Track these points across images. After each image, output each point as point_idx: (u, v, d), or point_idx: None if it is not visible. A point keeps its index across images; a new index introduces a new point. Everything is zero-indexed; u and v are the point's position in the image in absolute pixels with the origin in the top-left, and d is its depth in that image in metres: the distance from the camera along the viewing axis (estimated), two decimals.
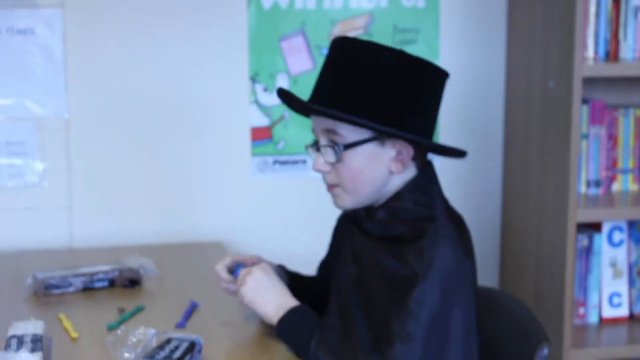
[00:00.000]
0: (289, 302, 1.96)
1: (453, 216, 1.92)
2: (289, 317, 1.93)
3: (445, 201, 1.94)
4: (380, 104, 1.84)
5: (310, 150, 1.96)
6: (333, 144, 1.87)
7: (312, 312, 1.94)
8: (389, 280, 1.84)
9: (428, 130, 1.90)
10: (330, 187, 1.93)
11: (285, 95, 1.98)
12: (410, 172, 1.93)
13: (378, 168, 1.90)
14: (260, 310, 1.97)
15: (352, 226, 1.99)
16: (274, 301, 1.96)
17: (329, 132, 1.88)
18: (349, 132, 1.86)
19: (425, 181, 1.93)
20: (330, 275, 2.05)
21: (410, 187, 1.91)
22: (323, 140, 1.90)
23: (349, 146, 1.86)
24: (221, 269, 2.10)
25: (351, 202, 1.92)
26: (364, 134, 1.86)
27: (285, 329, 1.93)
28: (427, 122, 1.90)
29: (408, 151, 1.89)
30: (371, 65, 1.84)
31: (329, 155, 1.89)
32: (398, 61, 1.85)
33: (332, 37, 2.87)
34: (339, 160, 1.87)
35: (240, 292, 1.98)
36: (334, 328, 1.88)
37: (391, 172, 1.90)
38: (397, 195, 1.91)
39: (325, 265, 2.20)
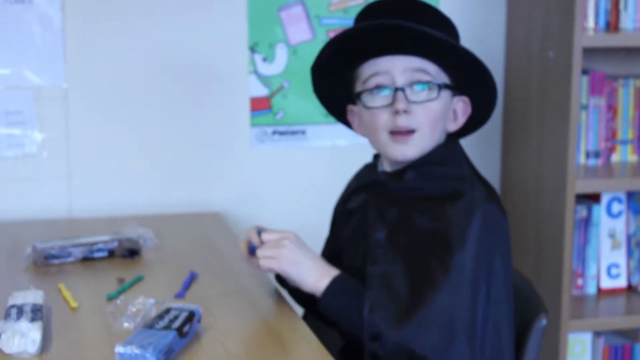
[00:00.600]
0: (329, 270, 1.89)
1: (480, 176, 1.94)
2: (334, 287, 1.86)
3: (472, 164, 1.96)
4: (466, 49, 1.88)
5: (372, 96, 1.89)
6: (430, 82, 1.86)
7: (354, 281, 1.88)
8: (429, 240, 1.82)
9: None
10: (406, 134, 1.87)
11: (341, 38, 1.90)
12: (441, 138, 1.95)
13: (445, 120, 1.92)
14: (299, 281, 1.89)
15: (366, 194, 1.97)
16: (312, 271, 1.88)
17: (419, 70, 1.86)
18: (436, 73, 1.88)
19: (453, 144, 1.96)
20: (341, 262, 2.00)
21: (442, 147, 1.93)
22: (407, 79, 1.86)
23: (444, 87, 1.88)
24: (244, 246, 1.98)
25: (422, 148, 1.90)
26: (446, 80, 1.89)
27: (331, 299, 1.86)
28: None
29: (466, 109, 1.94)
30: (437, 14, 1.91)
31: (422, 95, 1.86)
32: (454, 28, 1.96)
33: (331, 7, 2.88)
34: (437, 96, 1.86)
35: (272, 263, 1.89)
36: (383, 295, 1.82)
37: (444, 130, 1.93)
38: (430, 154, 1.91)
39: (334, 255, 2.08)
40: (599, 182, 2.72)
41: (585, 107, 2.81)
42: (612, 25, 2.81)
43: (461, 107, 1.95)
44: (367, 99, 1.91)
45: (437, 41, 1.83)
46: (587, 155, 2.85)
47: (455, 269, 1.78)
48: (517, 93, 2.97)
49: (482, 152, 3.08)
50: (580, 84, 2.67)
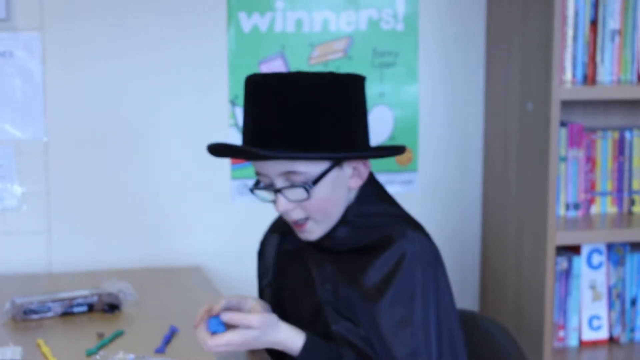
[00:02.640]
0: (295, 341, 1.89)
1: (405, 213, 1.98)
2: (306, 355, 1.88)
3: (395, 201, 2.00)
4: (331, 131, 1.86)
5: (260, 193, 1.93)
6: (299, 183, 1.86)
7: (321, 343, 1.90)
8: (374, 291, 1.86)
9: (368, 138, 1.95)
10: (299, 224, 1.92)
11: (225, 148, 1.93)
12: (354, 190, 1.98)
13: (341, 189, 1.93)
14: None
15: (297, 249, 2.01)
16: (278, 345, 1.89)
17: (288, 173, 1.87)
18: (308, 168, 1.87)
19: (376, 188, 2.00)
20: (280, 302, 2.04)
21: (364, 197, 1.96)
22: (281, 182, 1.88)
23: (316, 180, 1.87)
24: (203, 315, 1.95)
25: (323, 230, 1.94)
26: (323, 164, 1.88)
27: None
28: (367, 131, 1.95)
29: (365, 164, 1.95)
30: (303, 95, 1.85)
31: (297, 194, 1.88)
32: (325, 84, 1.88)
33: (311, 60, 2.90)
34: (309, 197, 1.87)
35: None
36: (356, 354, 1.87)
37: (350, 189, 1.95)
38: (353, 208, 1.95)
39: (272, 291, 2.12)
40: (579, 234, 2.73)
41: (564, 159, 2.82)
42: (589, 78, 2.84)
43: (360, 163, 1.94)
44: (262, 194, 1.93)
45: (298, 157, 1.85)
46: (567, 207, 2.86)
47: (408, 316, 1.84)
48: (496, 145, 2.99)
49: (462, 203, 3.09)
50: (559, 136, 2.69)
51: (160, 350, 2.02)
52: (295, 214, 1.91)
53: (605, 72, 2.84)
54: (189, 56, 2.84)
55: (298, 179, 1.87)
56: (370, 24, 2.94)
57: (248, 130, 1.90)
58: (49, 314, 2.26)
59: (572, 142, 2.83)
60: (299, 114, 1.84)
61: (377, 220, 1.94)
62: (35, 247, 2.77)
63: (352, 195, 1.96)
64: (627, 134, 2.90)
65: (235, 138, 2.88)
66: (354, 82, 1.92)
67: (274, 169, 1.88)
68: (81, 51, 2.76)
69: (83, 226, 2.81)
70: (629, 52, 2.85)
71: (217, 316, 1.88)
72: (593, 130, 2.89)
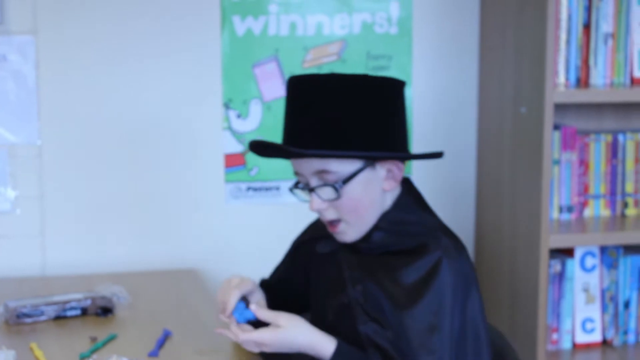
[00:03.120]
0: (324, 346, 1.89)
1: (445, 227, 1.99)
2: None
3: (433, 212, 2.01)
4: (361, 131, 1.88)
5: (299, 192, 1.97)
6: (331, 182, 1.89)
7: (352, 348, 1.90)
8: (405, 296, 1.87)
9: (406, 142, 1.97)
10: (333, 224, 1.95)
11: (262, 146, 1.97)
12: (396, 189, 1.99)
13: (374, 191, 1.94)
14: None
15: (331, 252, 2.02)
16: (307, 351, 1.90)
17: (321, 172, 1.90)
18: (340, 167, 1.89)
19: (414, 197, 2.01)
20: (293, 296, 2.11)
21: (401, 205, 1.97)
22: (315, 181, 1.91)
23: (347, 180, 1.89)
24: (231, 304, 2.00)
25: (358, 233, 1.96)
26: (355, 164, 1.90)
27: None
28: (404, 135, 1.96)
29: (398, 167, 1.95)
30: (337, 95, 1.88)
31: (328, 193, 1.91)
32: (360, 85, 1.90)
33: (305, 64, 2.90)
34: (339, 196, 1.89)
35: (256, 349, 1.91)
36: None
37: (384, 191, 1.95)
38: (390, 215, 1.96)
39: (283, 283, 2.19)
40: (573, 237, 2.73)
41: (557, 162, 2.83)
42: (582, 81, 2.84)
43: (394, 164, 1.96)
44: (300, 192, 1.98)
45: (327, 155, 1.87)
46: (560, 209, 2.86)
47: (436, 324, 1.84)
48: (490, 148, 2.99)
49: (456, 206, 3.09)
50: (552, 139, 2.69)
51: (153, 354, 2.02)
52: (328, 214, 1.94)
53: (599, 75, 2.85)
54: (182, 59, 2.84)
55: (330, 177, 1.89)
56: (364, 27, 2.95)
57: (285, 129, 1.94)
58: (42, 318, 2.26)
59: (566, 145, 2.83)
60: (330, 113, 1.87)
61: (414, 228, 1.95)
62: (28, 250, 2.77)
63: (388, 202, 1.97)
64: (620, 137, 2.90)
65: (228, 141, 2.89)
66: (389, 85, 1.93)
67: (308, 167, 1.91)
68: (75, 55, 2.76)
69: (76, 230, 2.81)
70: (622, 55, 2.85)
71: (241, 303, 1.95)
72: (586, 133, 2.90)
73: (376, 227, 1.96)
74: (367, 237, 1.96)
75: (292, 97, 1.93)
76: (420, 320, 1.85)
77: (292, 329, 1.88)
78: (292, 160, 1.95)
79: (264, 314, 1.91)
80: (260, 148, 1.98)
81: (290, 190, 1.99)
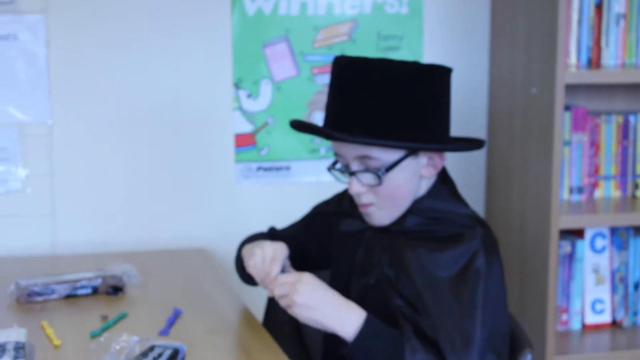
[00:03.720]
0: (350, 312, 1.87)
1: (477, 216, 1.99)
2: (365, 332, 1.86)
3: (466, 202, 2.02)
4: (409, 122, 1.88)
5: (337, 173, 1.97)
6: (373, 169, 1.89)
7: (380, 322, 1.88)
8: (438, 281, 1.88)
9: (448, 132, 1.97)
10: (364, 205, 1.95)
11: (304, 126, 1.98)
12: (432, 177, 2.00)
13: (414, 178, 1.95)
14: (320, 327, 1.89)
15: (363, 223, 2.02)
16: (332, 316, 1.86)
17: (363, 157, 1.90)
18: (383, 154, 1.90)
19: (448, 186, 2.01)
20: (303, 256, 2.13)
21: (435, 194, 1.98)
22: (356, 166, 1.92)
23: (390, 168, 1.89)
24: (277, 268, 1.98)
25: (390, 218, 1.96)
26: (398, 152, 1.90)
27: (362, 344, 1.85)
28: (448, 124, 1.97)
29: (440, 156, 1.96)
30: (386, 83, 1.87)
31: (369, 179, 1.91)
32: (409, 73, 1.89)
33: (315, 44, 2.90)
34: (381, 182, 1.90)
35: (291, 309, 1.89)
36: (414, 333, 1.86)
37: (422, 177, 1.96)
38: (425, 202, 1.96)
39: (294, 244, 2.16)
40: (583, 218, 2.73)
41: (568, 143, 2.82)
42: (594, 62, 2.83)
43: (437, 154, 1.96)
44: (338, 174, 1.98)
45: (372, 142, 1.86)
46: (571, 190, 2.86)
47: (468, 307, 1.85)
48: (501, 129, 2.98)
49: (466, 187, 3.08)
50: (563, 120, 2.68)
51: (164, 333, 2.02)
52: (365, 198, 1.94)
53: (610, 56, 2.84)
54: (193, 39, 2.83)
55: (373, 164, 1.90)
56: (375, 7, 2.94)
57: (329, 111, 1.94)
58: (53, 296, 2.26)
59: (576, 126, 2.83)
60: (378, 100, 1.87)
61: (449, 217, 1.96)
62: (39, 229, 2.78)
63: (423, 188, 1.98)
64: (632, 118, 2.89)
65: (239, 121, 2.89)
66: (437, 73, 1.93)
67: (350, 151, 1.91)
68: (85, 34, 2.76)
69: (87, 209, 2.81)
70: (634, 36, 2.84)
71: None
72: (597, 114, 2.89)
73: (410, 212, 1.96)
74: (402, 221, 1.96)
75: (339, 79, 1.93)
76: (450, 304, 1.85)
77: (328, 287, 1.89)
78: (333, 142, 1.95)
79: (287, 276, 1.92)
80: (304, 128, 1.99)
81: (329, 169, 1.99)
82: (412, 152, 1.91)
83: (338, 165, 1.99)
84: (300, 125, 1.99)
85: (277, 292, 1.90)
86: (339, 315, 1.86)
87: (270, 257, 1.98)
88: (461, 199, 2.02)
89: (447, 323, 1.84)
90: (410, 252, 1.92)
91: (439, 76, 1.94)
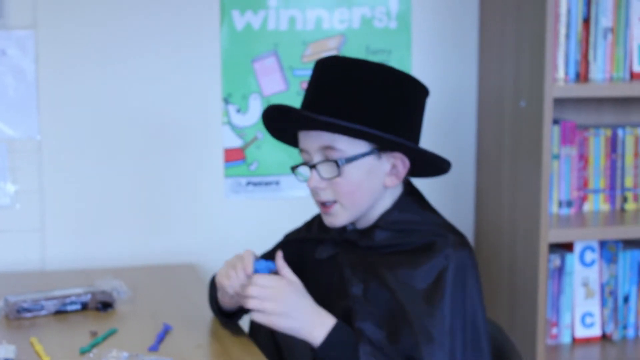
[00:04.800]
0: (323, 320, 1.88)
1: (448, 223, 1.99)
2: (332, 339, 1.86)
3: (436, 211, 2.01)
4: (377, 116, 1.89)
5: (300, 170, 1.99)
6: (334, 159, 1.90)
7: (349, 330, 1.89)
8: (407, 294, 1.87)
9: (417, 141, 1.98)
10: (326, 206, 1.95)
11: (276, 112, 1.98)
12: (397, 189, 1.99)
13: (375, 182, 1.95)
14: (291, 334, 1.90)
15: (335, 248, 2.02)
16: (304, 323, 1.88)
17: (327, 148, 1.91)
18: (347, 147, 1.90)
19: (416, 197, 2.02)
20: None
21: (403, 206, 1.98)
22: (318, 157, 1.92)
23: (350, 159, 1.90)
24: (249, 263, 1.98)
25: (348, 217, 1.95)
26: (362, 147, 1.91)
27: (329, 351, 1.87)
28: (417, 137, 1.98)
29: (404, 163, 1.96)
30: (362, 78, 1.90)
31: (329, 170, 1.91)
32: (386, 75, 1.92)
33: (304, 59, 2.90)
34: (339, 174, 1.90)
35: (259, 317, 1.89)
36: (377, 350, 1.86)
37: (385, 187, 1.96)
38: (393, 215, 1.96)
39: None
40: (572, 232, 2.73)
41: (557, 157, 2.83)
42: (582, 76, 2.84)
43: (399, 160, 1.97)
44: (300, 172, 2.01)
45: (337, 124, 1.87)
46: (560, 204, 2.87)
47: (436, 319, 1.84)
48: (489, 143, 2.99)
49: (456, 201, 3.09)
50: (551, 134, 2.69)
51: (153, 349, 2.02)
52: (324, 195, 1.94)
53: (598, 70, 2.85)
54: (182, 54, 2.84)
55: (335, 155, 1.90)
56: (363, 21, 2.94)
57: (303, 101, 1.96)
58: (42, 312, 2.26)
59: (565, 139, 2.84)
60: (351, 92, 1.89)
61: (418, 227, 1.96)
62: (28, 245, 2.77)
63: (388, 201, 1.98)
64: (620, 132, 2.90)
65: (228, 136, 2.88)
66: (417, 86, 1.96)
67: (315, 142, 1.92)
68: (74, 49, 2.76)
69: (76, 224, 2.81)
70: (622, 49, 2.85)
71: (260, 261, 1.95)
72: (586, 127, 2.90)
73: (378, 227, 1.96)
74: (370, 236, 1.96)
75: (318, 71, 1.95)
76: (426, 317, 1.85)
77: (304, 290, 1.90)
78: (300, 136, 1.96)
79: (285, 267, 1.92)
80: (274, 115, 1.98)
81: (292, 169, 2.00)
82: (375, 151, 1.92)
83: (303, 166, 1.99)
84: (270, 116, 2.00)
85: (250, 292, 1.89)
86: (309, 324, 1.87)
87: (237, 258, 1.99)
88: (429, 207, 2.02)
89: (418, 331, 1.84)
90: (382, 267, 1.92)
91: (417, 89, 1.96)
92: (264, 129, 2.88)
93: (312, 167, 1.93)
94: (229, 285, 1.98)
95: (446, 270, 1.87)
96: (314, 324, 1.88)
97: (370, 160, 1.93)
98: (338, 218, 1.95)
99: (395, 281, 1.89)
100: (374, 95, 1.89)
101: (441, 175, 2.03)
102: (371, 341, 1.87)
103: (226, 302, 2.08)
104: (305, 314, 1.88)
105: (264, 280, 1.90)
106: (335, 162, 1.90)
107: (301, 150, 1.97)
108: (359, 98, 1.89)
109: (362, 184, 1.93)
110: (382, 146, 1.92)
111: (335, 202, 1.94)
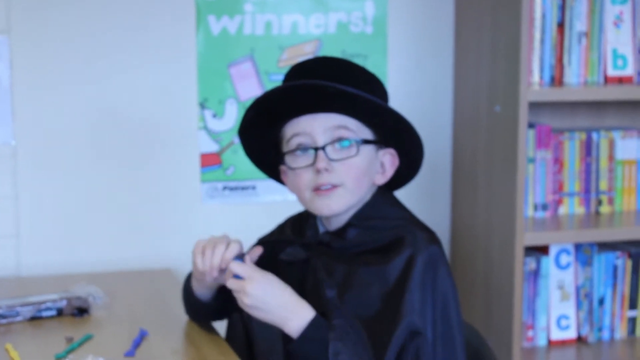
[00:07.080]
0: (297, 312, 1.88)
1: (419, 221, 2.00)
2: (307, 335, 1.86)
3: (408, 210, 2.02)
4: (383, 93, 1.98)
5: (300, 154, 1.93)
6: (352, 138, 1.90)
7: (325, 323, 1.88)
8: (379, 292, 1.87)
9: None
10: (326, 189, 1.91)
11: (279, 90, 1.94)
12: (373, 188, 2.00)
13: (370, 174, 1.96)
14: (267, 321, 1.91)
15: (306, 250, 2.01)
16: (278, 315, 1.88)
17: (340, 127, 1.90)
18: (358, 128, 1.92)
19: (387, 194, 2.02)
20: None
21: (375, 202, 1.98)
22: (325, 139, 1.90)
23: (365, 142, 1.92)
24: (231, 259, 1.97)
25: (347, 203, 1.93)
26: (369, 134, 1.94)
27: (302, 345, 1.86)
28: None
29: (393, 165, 1.98)
30: (362, 70, 1.95)
31: (339, 151, 1.90)
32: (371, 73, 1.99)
33: (280, 63, 2.90)
34: (357, 153, 1.90)
35: (242, 304, 1.90)
36: (347, 346, 1.85)
37: (373, 184, 1.98)
38: (365, 211, 1.96)
39: None
40: (547, 235, 2.75)
41: (532, 160, 2.84)
42: (556, 80, 2.86)
43: (388, 160, 1.99)
44: (290, 160, 1.96)
45: (355, 98, 1.88)
46: (535, 207, 2.88)
47: (405, 315, 1.83)
48: (465, 147, 3.00)
49: (432, 205, 3.10)
50: (526, 138, 2.71)
51: (130, 354, 2.01)
52: (330, 177, 1.90)
53: (572, 74, 2.86)
54: (158, 59, 2.83)
55: (349, 135, 1.90)
56: (340, 26, 2.95)
57: (303, 76, 1.93)
58: (18, 319, 2.25)
59: (540, 143, 2.85)
60: (362, 74, 1.94)
61: (387, 222, 1.96)
62: (3, 251, 2.76)
63: (366, 197, 1.98)
64: (594, 135, 2.92)
65: (204, 141, 2.88)
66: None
67: (324, 122, 1.90)
68: (49, 54, 2.75)
69: (52, 230, 2.80)
70: (596, 54, 2.87)
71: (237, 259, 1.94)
72: (560, 131, 2.91)
73: (350, 225, 1.96)
74: (343, 235, 1.96)
75: (308, 66, 1.95)
76: (396, 320, 1.85)
77: (282, 282, 1.89)
78: (300, 119, 1.92)
79: (242, 269, 1.91)
80: (278, 93, 1.93)
81: (282, 157, 1.97)
82: (379, 140, 1.95)
83: (300, 151, 1.94)
84: (272, 92, 1.93)
85: (229, 285, 1.90)
86: (287, 316, 1.87)
87: (222, 243, 1.98)
88: (397, 203, 2.02)
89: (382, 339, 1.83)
90: (354, 266, 1.91)
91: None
92: None
93: (318, 149, 1.90)
94: (200, 262, 1.99)
95: (414, 265, 1.86)
96: (289, 317, 1.87)
97: (372, 151, 1.95)
98: (339, 202, 1.92)
99: (367, 280, 1.89)
100: (379, 86, 1.97)
101: (413, 178, 2.04)
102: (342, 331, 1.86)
103: (197, 276, 2.06)
104: (280, 308, 1.87)
105: (239, 267, 1.90)
106: (356, 142, 1.90)
107: (296, 134, 1.93)
108: (370, 88, 1.93)
109: (365, 172, 1.94)
110: (383, 138, 1.96)
111: (336, 186, 1.91)
